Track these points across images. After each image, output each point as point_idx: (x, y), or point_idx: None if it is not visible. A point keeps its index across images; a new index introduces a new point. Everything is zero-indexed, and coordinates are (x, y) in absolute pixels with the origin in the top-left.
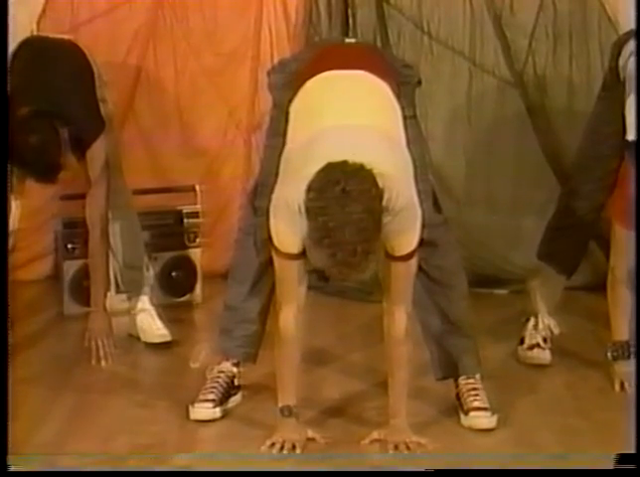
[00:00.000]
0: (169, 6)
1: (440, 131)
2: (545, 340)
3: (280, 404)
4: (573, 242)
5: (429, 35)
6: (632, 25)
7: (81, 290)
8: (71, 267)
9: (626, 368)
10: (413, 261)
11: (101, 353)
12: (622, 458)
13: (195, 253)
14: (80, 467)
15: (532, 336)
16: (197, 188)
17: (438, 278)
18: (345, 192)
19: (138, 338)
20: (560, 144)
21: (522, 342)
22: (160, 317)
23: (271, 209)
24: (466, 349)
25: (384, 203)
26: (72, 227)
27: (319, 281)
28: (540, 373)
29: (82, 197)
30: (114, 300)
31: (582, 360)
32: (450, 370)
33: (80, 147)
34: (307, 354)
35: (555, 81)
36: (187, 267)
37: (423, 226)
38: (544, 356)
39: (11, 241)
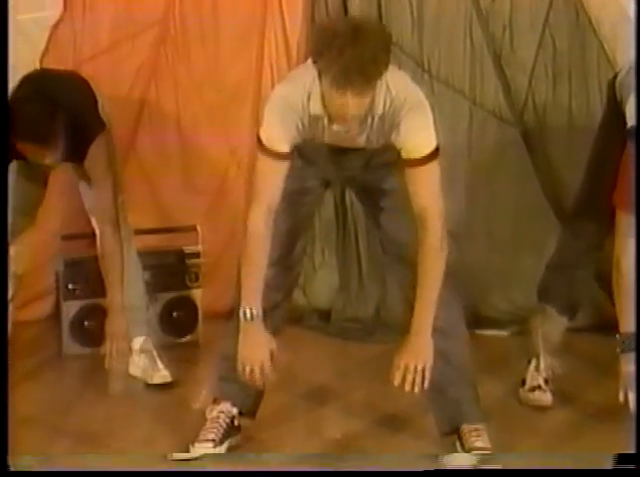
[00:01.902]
0: (171, 43)
1: (441, 170)
2: (546, 381)
3: (243, 307)
4: (574, 283)
5: (430, 73)
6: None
7: (82, 330)
8: (71, 308)
9: (631, 366)
10: (435, 166)
11: (115, 355)
12: (622, 458)
13: (196, 294)
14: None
15: (533, 377)
16: (198, 228)
17: (440, 327)
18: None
19: (138, 378)
20: (561, 183)
21: (523, 383)
22: (160, 357)
23: (267, 106)
24: (470, 398)
25: (392, 97)
26: (73, 266)
27: (321, 321)
28: (541, 414)
29: (84, 236)
30: None
31: (584, 403)
32: (456, 421)
33: (80, 148)
34: (308, 392)
35: (554, 121)
36: (188, 308)
37: None
38: (545, 398)
39: (12, 288)
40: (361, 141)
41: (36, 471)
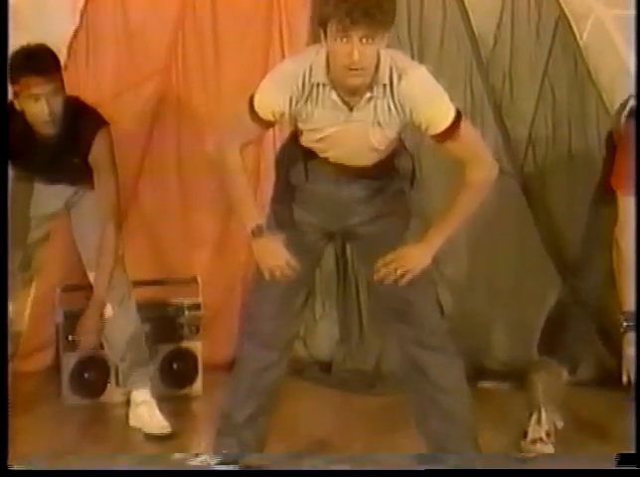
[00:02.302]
0: (173, 91)
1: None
2: (548, 434)
3: (250, 226)
4: (574, 336)
5: None
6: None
7: (82, 382)
8: (71, 359)
9: (632, 349)
10: (466, 125)
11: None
12: (622, 458)
13: (196, 346)
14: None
15: (535, 430)
16: (199, 280)
17: (442, 386)
18: None
19: (138, 429)
20: (561, 236)
21: (525, 436)
22: (160, 409)
23: (267, 75)
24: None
25: (398, 70)
26: (73, 318)
27: (321, 373)
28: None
29: (84, 288)
30: (115, 392)
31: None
32: None
33: (85, 139)
34: (309, 445)
35: (554, 172)
36: (188, 360)
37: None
38: (547, 450)
39: (12, 345)
40: (370, 138)
41: (36, 471)
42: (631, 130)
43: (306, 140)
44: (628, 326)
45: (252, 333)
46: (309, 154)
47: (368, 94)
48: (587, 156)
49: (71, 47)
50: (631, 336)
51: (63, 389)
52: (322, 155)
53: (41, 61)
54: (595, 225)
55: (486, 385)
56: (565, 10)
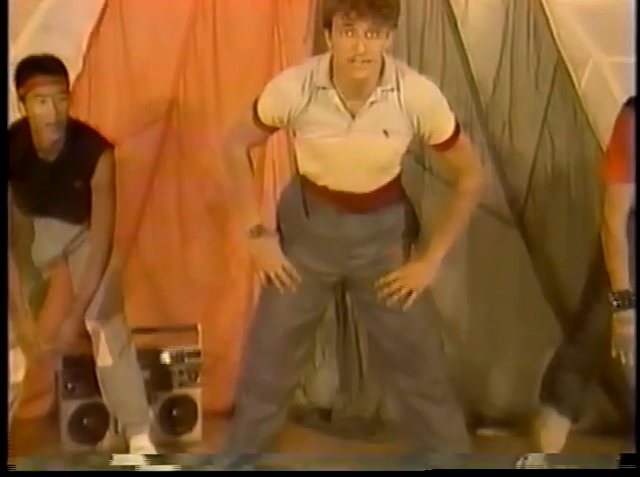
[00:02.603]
0: (174, 138)
1: (441, 269)
2: None
3: (249, 226)
4: (576, 385)
5: (430, 171)
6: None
7: (80, 429)
8: (70, 407)
9: (627, 327)
10: (464, 138)
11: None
12: (622, 458)
13: (195, 392)
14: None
15: None
16: (198, 327)
17: (445, 436)
18: None
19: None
20: (561, 284)
21: None
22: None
23: (276, 80)
24: None
25: (404, 77)
26: (71, 366)
27: (321, 420)
28: None
29: (83, 335)
30: (113, 438)
31: None
32: None
33: (89, 160)
34: None
35: (554, 220)
36: (187, 406)
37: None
38: None
39: (12, 395)
40: (374, 152)
41: (36, 471)
42: (623, 120)
43: (305, 161)
44: (619, 305)
45: (252, 383)
46: (308, 186)
47: (371, 98)
48: (587, 205)
49: (73, 92)
50: (623, 315)
51: (62, 435)
52: (321, 182)
53: (47, 63)
54: (595, 276)
55: (485, 432)
56: (564, 55)
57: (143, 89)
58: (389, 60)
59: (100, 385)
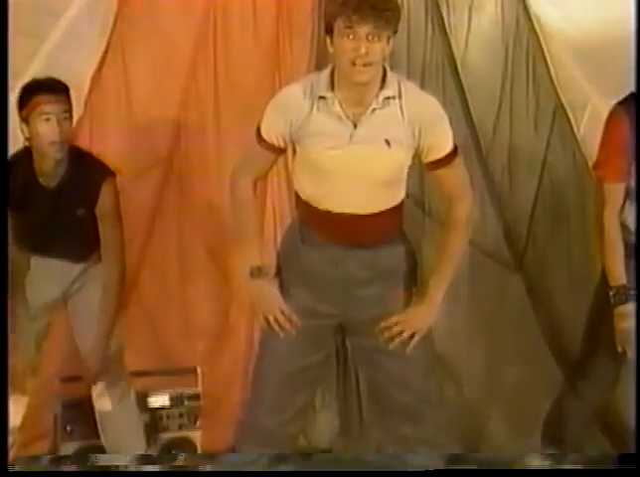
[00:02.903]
0: (175, 182)
1: (442, 313)
2: None
3: (250, 265)
4: (578, 430)
5: (430, 215)
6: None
7: None
8: (69, 449)
9: (627, 321)
10: (460, 161)
11: None
12: (622, 458)
13: (195, 435)
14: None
15: None
16: (198, 370)
17: None
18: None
19: None
20: (562, 331)
21: None
22: None
23: (277, 97)
24: None
25: (406, 89)
26: (71, 409)
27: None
28: None
29: (82, 378)
30: None
31: None
32: None
33: (93, 186)
34: None
35: (554, 265)
36: (187, 449)
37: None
38: None
39: (11, 439)
40: (377, 164)
41: (36, 471)
42: (616, 119)
43: (307, 182)
44: (618, 299)
45: (253, 429)
46: (310, 216)
47: (373, 105)
48: (587, 252)
49: (74, 135)
50: (622, 309)
51: None
52: (324, 206)
53: (50, 83)
54: (595, 326)
55: None
56: (563, 99)
57: (145, 133)
58: (390, 72)
59: (99, 428)
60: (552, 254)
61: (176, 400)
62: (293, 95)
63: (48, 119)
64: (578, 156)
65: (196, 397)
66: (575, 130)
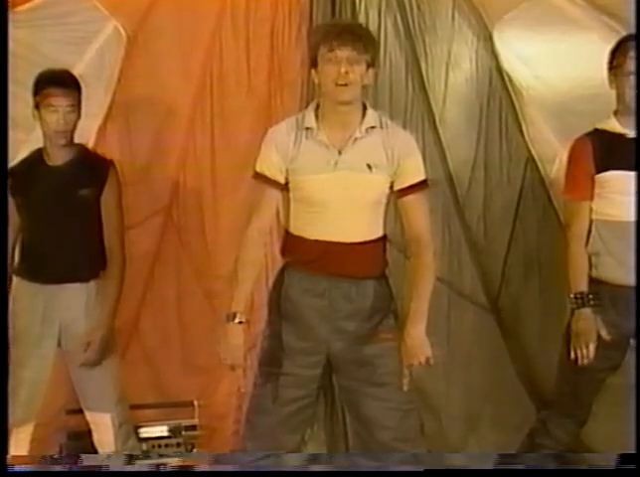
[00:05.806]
0: (174, 230)
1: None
2: None
3: (233, 309)
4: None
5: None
6: None
7: None
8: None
9: (585, 322)
10: (426, 196)
11: None
12: (622, 458)
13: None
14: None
15: None
16: (195, 403)
17: None
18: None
19: None
20: (534, 368)
21: None
22: None
23: (267, 136)
24: None
25: (386, 124)
26: (76, 439)
27: None
28: None
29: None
30: None
31: None
32: None
33: (99, 174)
34: None
35: (527, 309)
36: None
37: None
38: None
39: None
40: (361, 189)
41: (36, 471)
42: (581, 147)
43: (297, 213)
44: (580, 303)
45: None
46: (299, 250)
47: (356, 135)
48: (558, 292)
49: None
50: (581, 311)
51: None
52: (313, 236)
53: (62, 77)
54: (567, 368)
55: None
56: (533, 153)
57: (146, 184)
58: (370, 111)
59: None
60: (524, 297)
61: (174, 431)
62: (281, 131)
63: (54, 111)
64: (548, 206)
65: (192, 427)
66: (546, 181)
